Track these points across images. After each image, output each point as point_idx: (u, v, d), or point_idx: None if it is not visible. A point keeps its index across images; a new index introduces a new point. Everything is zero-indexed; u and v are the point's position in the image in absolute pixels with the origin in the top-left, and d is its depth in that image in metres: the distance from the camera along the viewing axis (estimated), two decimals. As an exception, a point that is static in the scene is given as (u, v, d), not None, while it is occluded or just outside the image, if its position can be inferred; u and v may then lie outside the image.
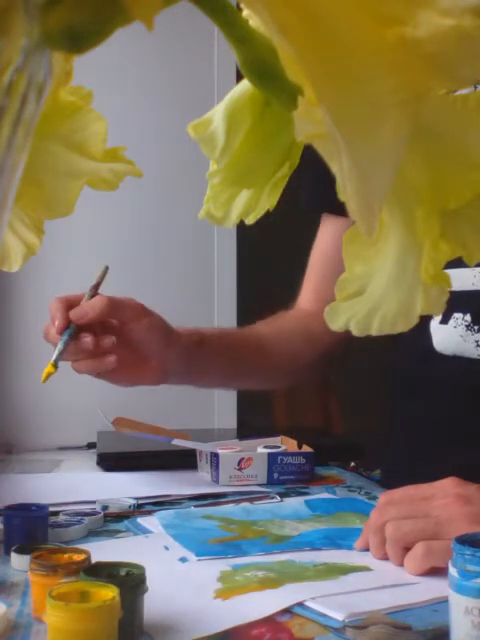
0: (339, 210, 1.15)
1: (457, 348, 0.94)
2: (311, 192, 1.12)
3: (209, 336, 1.06)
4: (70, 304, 0.95)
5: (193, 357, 1.02)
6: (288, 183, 0.34)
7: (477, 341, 0.93)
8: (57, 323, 0.93)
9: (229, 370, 1.10)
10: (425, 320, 0.94)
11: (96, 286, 0.99)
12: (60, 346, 0.91)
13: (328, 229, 1.16)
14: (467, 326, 0.93)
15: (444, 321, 0.95)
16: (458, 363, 0.95)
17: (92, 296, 0.97)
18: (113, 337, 0.94)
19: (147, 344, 0.97)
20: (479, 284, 0.92)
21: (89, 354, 0.93)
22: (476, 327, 0.93)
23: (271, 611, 0.58)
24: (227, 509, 0.90)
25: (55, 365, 0.91)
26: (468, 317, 0.93)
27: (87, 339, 0.92)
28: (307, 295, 1.19)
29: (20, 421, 1.64)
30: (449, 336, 0.95)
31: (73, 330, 0.93)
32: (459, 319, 0.94)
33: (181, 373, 1.04)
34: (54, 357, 0.91)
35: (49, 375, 0.91)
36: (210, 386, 1.15)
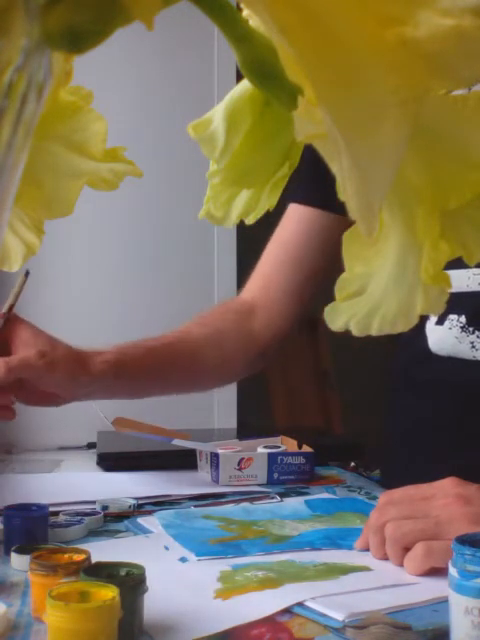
0: (306, 199, 1.14)
1: (452, 349, 0.94)
2: (308, 188, 1.10)
3: (134, 358, 1.02)
4: None
5: (108, 387, 1.00)
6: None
7: (472, 342, 0.93)
8: None
9: (156, 387, 1.08)
10: (422, 321, 0.94)
11: (12, 301, 0.96)
12: None
13: (291, 217, 1.12)
14: (462, 327, 0.93)
15: (439, 322, 0.95)
16: (453, 364, 0.95)
17: (2, 325, 0.94)
18: (11, 396, 0.94)
19: (58, 392, 0.96)
20: (474, 285, 0.92)
21: None
22: (471, 328, 0.93)
23: (271, 611, 0.58)
24: (227, 509, 0.90)
25: None
26: (463, 318, 0.93)
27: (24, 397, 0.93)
28: (254, 282, 1.16)
29: (20, 421, 1.64)
30: (444, 337, 0.95)
31: None
32: (454, 320, 0.94)
33: (98, 397, 1.02)
34: None
35: None
36: (134, 397, 1.13)
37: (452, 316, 0.94)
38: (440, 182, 0.28)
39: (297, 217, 1.12)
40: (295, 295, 1.12)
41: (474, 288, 0.92)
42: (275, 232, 1.15)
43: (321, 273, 1.11)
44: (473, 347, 0.92)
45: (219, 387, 1.24)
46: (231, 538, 0.77)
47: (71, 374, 0.94)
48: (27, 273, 0.97)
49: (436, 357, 0.96)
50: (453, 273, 0.96)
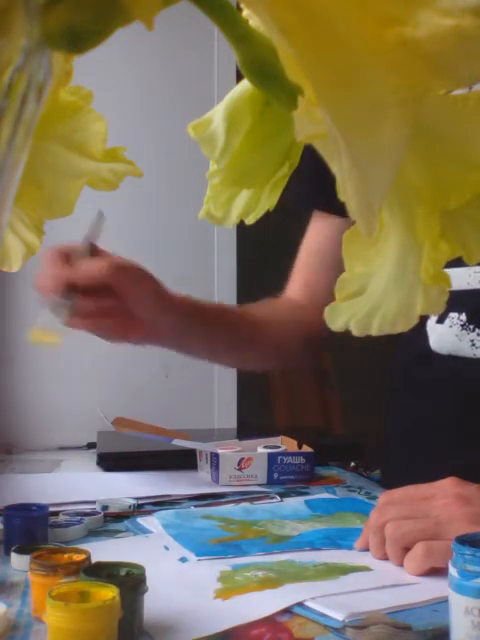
0: (330, 208, 1.16)
1: (453, 347, 0.94)
2: (303, 190, 1.12)
3: (207, 309, 1.05)
4: (67, 258, 0.92)
5: (186, 326, 1.01)
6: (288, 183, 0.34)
7: (472, 340, 0.93)
8: (55, 283, 0.89)
9: (221, 344, 1.10)
10: (422, 320, 0.94)
11: (92, 238, 0.96)
12: (60, 310, 0.87)
13: (318, 225, 1.16)
14: (462, 325, 0.93)
15: (440, 321, 0.95)
16: (454, 362, 0.95)
17: (90, 251, 0.93)
18: (112, 301, 0.92)
19: (142, 309, 0.96)
20: (474, 283, 0.93)
21: (86, 315, 0.91)
22: (471, 326, 0.93)
23: (271, 611, 0.58)
24: (227, 509, 0.90)
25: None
26: (463, 316, 0.93)
27: (88, 304, 0.90)
28: (297, 288, 1.19)
29: (20, 421, 1.64)
30: (445, 335, 0.95)
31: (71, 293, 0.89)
32: (454, 318, 0.94)
33: (172, 338, 1.03)
34: (42, 323, 0.88)
35: (47, 341, 0.86)
36: (198, 356, 1.14)
37: (452, 314, 0.94)
38: (440, 182, 0.28)
39: (322, 225, 1.15)
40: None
41: (474, 286, 0.92)
42: (305, 238, 1.19)
43: None
44: (473, 345, 0.93)
45: (277, 367, 1.27)
46: (231, 538, 0.77)
47: (160, 296, 0.97)
48: (101, 214, 0.99)
49: (437, 356, 0.96)
50: (453, 271, 0.96)
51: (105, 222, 0.98)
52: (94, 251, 0.95)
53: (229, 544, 0.75)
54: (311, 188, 1.05)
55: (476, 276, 0.93)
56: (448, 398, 0.98)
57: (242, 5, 0.24)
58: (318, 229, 1.16)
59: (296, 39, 0.22)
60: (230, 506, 0.92)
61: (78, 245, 0.94)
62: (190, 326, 1.02)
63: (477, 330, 0.93)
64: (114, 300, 0.92)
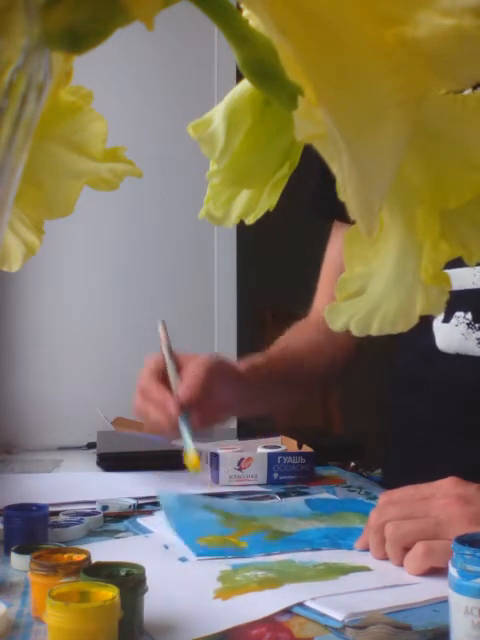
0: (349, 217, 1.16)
1: (459, 346, 0.95)
2: (318, 197, 1.12)
3: (268, 368, 1.08)
4: (160, 375, 0.99)
5: (255, 393, 1.06)
6: (289, 184, 0.34)
7: (479, 339, 0.93)
8: (173, 411, 0.94)
9: (282, 397, 1.16)
10: (428, 319, 0.95)
11: (170, 348, 1.01)
12: (186, 431, 0.93)
13: (339, 237, 1.17)
14: (468, 324, 0.94)
15: (446, 320, 0.96)
16: (461, 361, 0.95)
17: (174, 361, 0.99)
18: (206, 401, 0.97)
19: (224, 400, 1.01)
20: (479, 283, 0.93)
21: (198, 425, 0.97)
22: (477, 325, 0.93)
23: (271, 611, 0.58)
24: (228, 503, 0.90)
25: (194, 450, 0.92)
26: (469, 315, 0.93)
27: (198, 417, 0.96)
28: (321, 302, 1.21)
29: (20, 421, 1.64)
30: (451, 334, 0.95)
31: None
32: (460, 317, 0.94)
33: (242, 408, 1.09)
34: (189, 444, 0.92)
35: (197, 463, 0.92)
36: (263, 413, 1.20)
37: (458, 313, 0.94)
38: (440, 182, 0.28)
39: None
40: None
41: (479, 285, 0.93)
42: (328, 249, 1.21)
43: None
44: (479, 343, 0.93)
45: (312, 393, 1.34)
46: (231, 536, 0.77)
47: (235, 381, 1.01)
48: (164, 323, 1.05)
49: (443, 355, 0.97)
50: (458, 271, 0.96)
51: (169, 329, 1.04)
52: (175, 361, 1.00)
53: (229, 548, 0.75)
54: (329, 197, 1.05)
55: None
56: (450, 397, 0.98)
57: (242, 5, 0.24)
58: (339, 241, 1.17)
59: (296, 39, 0.22)
60: (231, 499, 0.92)
61: (165, 360, 1.00)
62: (259, 393, 1.07)
63: None
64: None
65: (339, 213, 1.15)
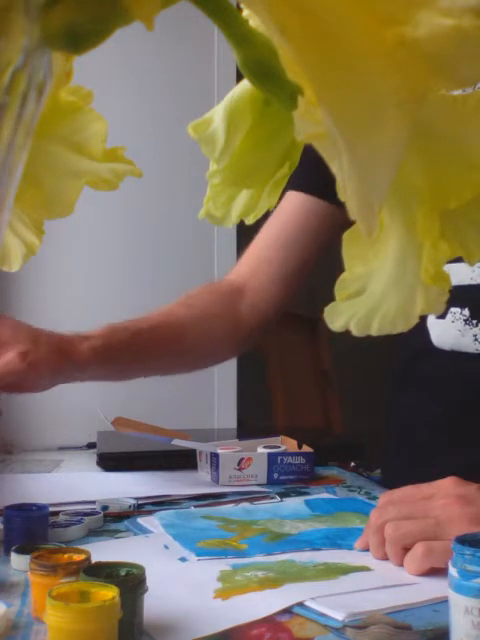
0: (304, 187, 1.14)
1: (455, 343, 0.94)
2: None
3: (116, 347, 1.00)
4: None
5: (94, 374, 1.00)
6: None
7: (475, 335, 0.93)
8: None
9: (138, 371, 1.08)
10: (422, 316, 0.94)
11: None
12: None
13: (289, 203, 1.12)
14: (465, 320, 0.93)
15: (442, 316, 0.95)
16: (456, 358, 0.95)
17: None
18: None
19: (37, 388, 0.96)
20: (477, 279, 0.92)
21: None
22: (474, 321, 0.93)
23: (271, 611, 0.58)
24: (227, 509, 0.90)
25: None
26: (466, 311, 0.93)
27: None
28: (245, 265, 1.16)
29: (20, 421, 1.64)
30: (447, 331, 0.95)
31: None
32: (457, 313, 0.94)
33: (78, 381, 1.01)
34: None
35: None
36: (115, 380, 1.13)
37: (454, 309, 0.94)
38: (440, 182, 0.28)
39: (294, 203, 1.12)
40: (284, 282, 1.12)
41: (477, 281, 0.92)
42: (271, 215, 1.14)
43: (312, 262, 1.12)
44: (476, 340, 0.93)
45: (203, 368, 1.23)
46: (231, 540, 0.77)
47: (55, 369, 0.94)
48: None
49: (438, 351, 0.96)
50: (456, 266, 0.96)
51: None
52: None
53: (229, 549, 0.75)
54: (303, 171, 1.04)
55: (479, 271, 0.93)
56: (449, 394, 0.97)
57: (242, 5, 0.24)
58: (285, 207, 1.13)
59: (296, 39, 0.22)
60: (230, 506, 0.92)
61: None
62: (102, 371, 1.00)
63: None
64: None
65: (298, 184, 1.11)
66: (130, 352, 1.02)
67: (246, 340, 1.15)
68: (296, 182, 1.09)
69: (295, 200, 1.11)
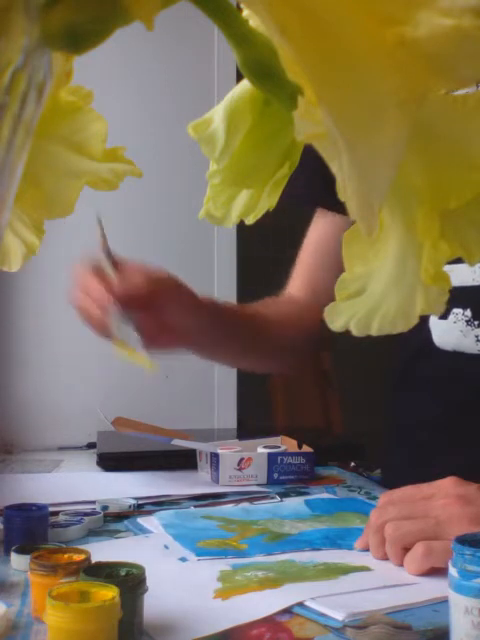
0: (332, 205, 1.16)
1: (457, 343, 0.94)
2: (305, 188, 1.12)
3: (225, 310, 1.04)
4: (98, 273, 0.91)
5: (211, 329, 1.01)
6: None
7: (477, 336, 0.93)
8: (101, 301, 0.87)
9: (238, 344, 1.09)
10: (425, 315, 0.94)
11: (106, 248, 0.93)
12: (124, 327, 0.83)
13: (320, 223, 1.16)
14: (467, 321, 0.93)
15: (443, 316, 0.95)
16: (457, 358, 0.95)
17: (113, 262, 0.91)
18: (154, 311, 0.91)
19: (177, 317, 0.95)
20: (479, 279, 0.92)
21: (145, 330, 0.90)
22: (476, 322, 0.93)
23: (271, 611, 0.58)
24: (227, 509, 0.90)
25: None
26: (468, 312, 0.93)
27: (146, 318, 0.89)
28: (298, 286, 1.19)
29: (20, 421, 1.64)
30: (449, 331, 0.95)
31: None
32: (459, 314, 0.94)
33: (198, 342, 1.02)
34: (126, 335, 0.83)
35: (142, 363, 0.81)
36: (215, 358, 1.14)
37: (457, 310, 0.94)
38: (440, 182, 0.28)
39: (325, 223, 1.15)
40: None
41: (479, 282, 0.92)
42: (307, 236, 1.19)
43: None
44: (478, 340, 0.93)
45: (281, 369, 1.26)
46: (231, 540, 0.77)
47: (193, 305, 0.96)
48: (100, 220, 0.98)
49: (440, 352, 0.96)
50: (458, 267, 0.96)
51: (105, 225, 0.97)
52: (113, 261, 0.93)
53: (229, 549, 0.75)
54: (313, 185, 1.05)
55: None
56: (449, 395, 0.97)
57: (242, 5, 0.24)
58: (320, 227, 1.16)
59: (296, 39, 0.22)
60: (230, 506, 0.92)
61: (101, 258, 0.92)
62: (214, 328, 1.02)
63: None
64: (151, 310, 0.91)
65: (324, 202, 1.13)
66: (236, 323, 1.05)
67: (314, 342, 1.19)
68: (324, 200, 1.10)
69: (329, 219, 1.14)
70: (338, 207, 1.17)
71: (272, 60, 0.25)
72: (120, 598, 0.50)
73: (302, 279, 1.19)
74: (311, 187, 1.05)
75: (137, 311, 0.88)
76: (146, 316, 0.89)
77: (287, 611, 0.59)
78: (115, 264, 0.92)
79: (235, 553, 0.72)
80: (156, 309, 0.91)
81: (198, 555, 0.72)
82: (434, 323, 0.96)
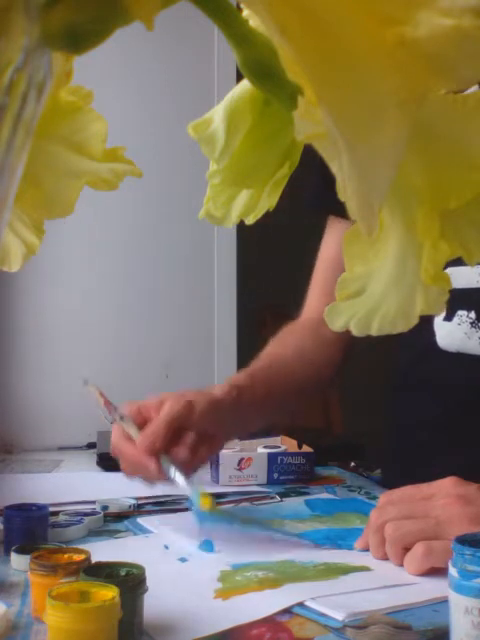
0: (345, 212, 1.15)
1: (461, 345, 0.95)
2: (315, 193, 1.11)
3: (244, 389, 0.99)
4: (127, 438, 0.88)
5: (240, 416, 0.97)
6: (289, 183, 0.34)
7: None
8: (148, 463, 0.85)
9: (270, 414, 1.06)
10: (429, 317, 0.94)
11: (113, 407, 0.91)
12: (174, 473, 0.83)
13: (335, 234, 1.14)
14: (471, 323, 0.93)
15: (448, 318, 0.95)
16: (461, 360, 0.95)
17: (122, 416, 0.89)
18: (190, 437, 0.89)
19: (207, 428, 0.92)
20: None
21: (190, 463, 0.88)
22: None
23: (271, 611, 0.58)
24: (227, 509, 0.90)
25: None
26: (472, 314, 0.93)
27: (185, 454, 0.87)
28: (315, 302, 1.17)
29: (20, 421, 1.64)
30: (453, 333, 0.95)
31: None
32: (463, 316, 0.94)
33: (232, 433, 1.00)
34: (184, 484, 0.82)
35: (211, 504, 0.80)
36: (259, 428, 1.14)
37: (461, 312, 0.94)
38: (440, 182, 0.28)
39: (340, 233, 1.13)
40: None
41: None
42: (322, 247, 1.17)
43: None
44: None
45: (310, 397, 1.25)
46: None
47: (215, 418, 0.92)
48: (86, 381, 0.95)
49: (443, 353, 0.96)
50: (462, 270, 0.95)
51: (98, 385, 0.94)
52: (122, 416, 0.90)
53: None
54: (325, 192, 1.05)
55: None
56: (450, 395, 0.98)
57: (242, 5, 0.24)
58: (333, 235, 1.15)
59: (296, 39, 0.22)
60: (230, 506, 0.92)
61: (125, 420, 0.89)
62: (242, 414, 0.97)
63: None
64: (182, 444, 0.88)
65: (337, 209, 1.14)
66: (265, 396, 1.01)
67: (339, 362, 1.16)
68: (337, 208, 1.10)
69: (341, 227, 1.12)
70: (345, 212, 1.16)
71: (272, 60, 0.25)
72: (120, 598, 0.50)
73: (321, 297, 1.16)
74: (323, 193, 1.05)
75: (172, 451, 0.86)
76: (179, 450, 0.87)
77: (287, 611, 0.59)
78: (143, 416, 0.89)
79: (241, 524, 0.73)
80: (185, 439, 0.88)
81: (201, 520, 0.72)
82: (439, 325, 0.97)
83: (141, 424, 0.87)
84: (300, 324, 1.17)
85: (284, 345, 1.12)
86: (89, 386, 0.95)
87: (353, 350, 1.18)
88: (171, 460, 0.83)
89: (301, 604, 0.60)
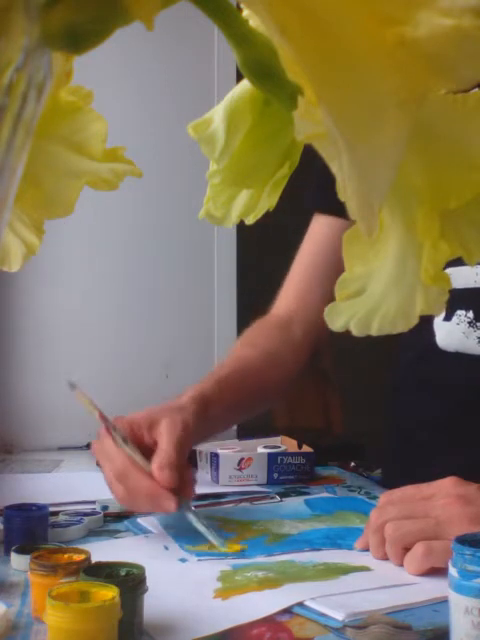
0: (336, 210, 1.15)
1: (460, 345, 0.95)
2: (314, 191, 1.11)
3: (212, 401, 0.95)
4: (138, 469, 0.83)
5: (209, 427, 0.95)
6: (289, 183, 0.34)
7: (479, 338, 0.93)
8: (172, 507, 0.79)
9: (233, 418, 1.05)
10: (429, 317, 0.93)
11: (112, 425, 0.88)
12: (196, 521, 0.78)
13: (320, 230, 1.13)
14: (469, 323, 0.94)
15: (447, 318, 0.95)
16: (460, 360, 0.95)
17: (123, 440, 0.85)
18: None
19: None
20: None
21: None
22: (479, 324, 0.93)
23: (271, 611, 0.58)
24: (227, 509, 0.90)
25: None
26: (471, 314, 0.93)
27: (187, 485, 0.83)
28: (288, 294, 1.16)
29: (20, 421, 1.64)
30: (452, 333, 0.95)
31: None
32: (462, 316, 0.94)
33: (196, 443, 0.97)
34: (206, 531, 0.77)
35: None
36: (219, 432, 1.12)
37: (460, 312, 0.94)
38: (440, 182, 0.28)
39: (326, 226, 1.12)
40: (330, 298, 1.11)
41: None
42: (303, 243, 1.16)
43: None
44: None
45: (276, 400, 1.24)
46: (231, 542, 0.77)
47: (188, 434, 0.88)
48: (71, 384, 0.93)
49: (443, 353, 0.96)
50: (461, 269, 0.95)
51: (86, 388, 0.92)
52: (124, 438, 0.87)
53: (229, 553, 0.74)
54: (313, 188, 1.05)
55: None
56: (450, 395, 0.98)
57: (242, 5, 0.24)
58: (317, 235, 1.14)
59: (296, 39, 0.22)
60: (230, 506, 0.92)
61: (128, 445, 0.85)
62: (205, 426, 0.93)
63: None
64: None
65: (337, 209, 1.13)
66: (226, 406, 0.98)
67: (305, 362, 1.15)
68: (323, 204, 1.09)
69: (324, 223, 1.12)
70: (336, 210, 1.16)
71: (272, 60, 0.25)
72: (120, 598, 0.50)
73: (294, 295, 1.14)
74: (319, 190, 1.04)
75: (183, 491, 0.82)
76: (188, 490, 0.83)
77: (287, 611, 0.59)
78: (128, 440, 0.85)
79: (235, 555, 0.72)
80: (188, 476, 0.84)
81: (198, 556, 0.72)
82: (438, 325, 0.97)
83: (133, 441, 0.84)
84: (269, 322, 1.15)
85: (253, 346, 1.10)
86: (77, 392, 0.93)
87: (320, 350, 1.17)
88: (185, 500, 0.80)
89: (301, 604, 0.60)
